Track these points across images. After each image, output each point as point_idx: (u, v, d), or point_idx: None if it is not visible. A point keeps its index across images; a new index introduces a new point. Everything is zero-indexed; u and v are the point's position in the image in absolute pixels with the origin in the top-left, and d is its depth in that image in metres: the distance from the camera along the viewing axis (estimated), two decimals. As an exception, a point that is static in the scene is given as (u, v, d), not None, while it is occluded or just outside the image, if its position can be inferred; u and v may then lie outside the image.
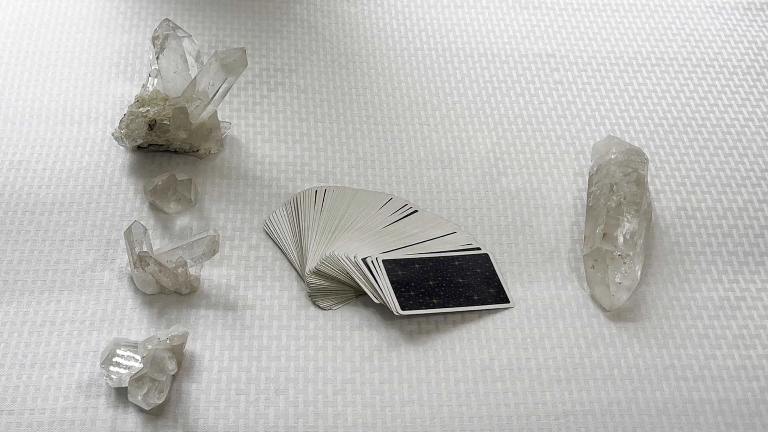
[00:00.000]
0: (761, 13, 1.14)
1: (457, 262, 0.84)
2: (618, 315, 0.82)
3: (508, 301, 0.83)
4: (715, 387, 0.78)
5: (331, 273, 0.81)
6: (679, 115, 1.01)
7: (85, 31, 1.03)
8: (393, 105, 0.99)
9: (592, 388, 0.77)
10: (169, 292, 0.80)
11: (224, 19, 1.06)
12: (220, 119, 0.93)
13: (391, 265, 0.82)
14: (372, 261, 0.82)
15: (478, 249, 0.86)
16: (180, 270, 0.79)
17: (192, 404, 0.73)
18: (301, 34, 1.06)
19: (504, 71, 1.04)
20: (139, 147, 0.90)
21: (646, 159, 0.91)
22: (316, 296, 0.81)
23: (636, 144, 0.97)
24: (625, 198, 0.86)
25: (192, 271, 0.80)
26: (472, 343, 0.79)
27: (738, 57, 1.08)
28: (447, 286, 0.82)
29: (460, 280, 0.83)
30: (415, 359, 0.78)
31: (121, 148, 0.91)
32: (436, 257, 0.84)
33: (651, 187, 0.93)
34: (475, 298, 0.82)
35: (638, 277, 0.83)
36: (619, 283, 0.82)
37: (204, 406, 0.73)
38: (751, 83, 1.05)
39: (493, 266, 0.85)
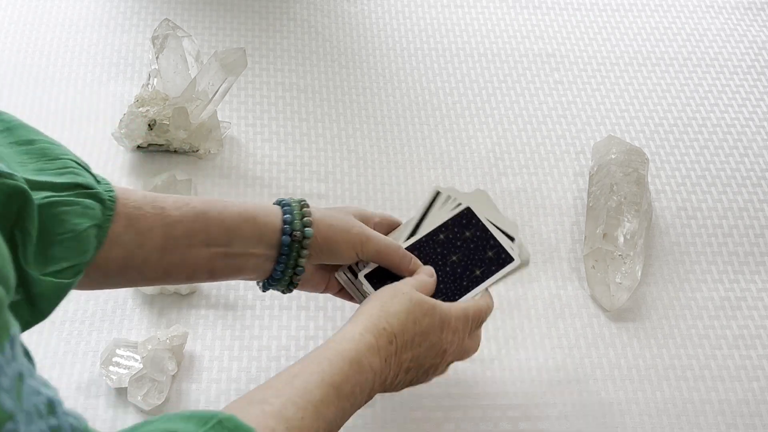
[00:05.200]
0: (761, 13, 1.14)
1: (441, 236, 0.72)
2: (618, 315, 0.82)
3: (512, 260, 0.72)
4: (715, 387, 0.78)
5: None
6: (679, 115, 1.01)
7: (84, 31, 1.03)
8: (393, 105, 0.99)
9: (593, 388, 0.77)
10: (169, 292, 0.80)
11: (224, 19, 1.06)
12: (219, 119, 0.93)
13: (376, 277, 0.69)
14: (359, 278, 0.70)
15: (459, 205, 0.74)
16: (180, 270, 0.79)
17: (192, 404, 0.73)
18: (301, 34, 1.06)
19: (504, 71, 1.04)
20: (138, 147, 0.90)
21: (647, 159, 0.91)
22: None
23: (636, 144, 0.97)
24: (625, 198, 0.86)
25: (192, 271, 0.80)
26: (472, 343, 0.79)
27: (738, 57, 1.08)
28: (443, 273, 0.70)
29: (454, 258, 0.71)
30: (415, 359, 0.78)
31: (121, 147, 0.91)
32: (417, 242, 0.72)
33: (651, 187, 0.93)
34: (478, 273, 0.71)
35: (638, 277, 0.83)
36: (620, 283, 0.82)
37: (204, 406, 0.73)
38: (752, 83, 1.05)
39: (480, 222, 0.73)
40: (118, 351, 0.74)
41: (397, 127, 0.97)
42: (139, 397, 0.71)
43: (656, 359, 0.79)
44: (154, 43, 0.90)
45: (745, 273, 0.87)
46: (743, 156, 0.97)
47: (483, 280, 0.71)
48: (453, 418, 0.74)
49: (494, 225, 0.73)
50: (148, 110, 0.89)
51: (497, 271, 0.71)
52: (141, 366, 0.72)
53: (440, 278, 0.70)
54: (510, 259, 0.72)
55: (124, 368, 0.73)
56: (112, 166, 0.90)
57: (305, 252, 0.65)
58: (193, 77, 0.89)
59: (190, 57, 0.90)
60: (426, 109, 0.99)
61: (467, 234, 0.72)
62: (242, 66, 0.87)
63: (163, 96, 0.90)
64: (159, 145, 0.90)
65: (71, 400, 0.72)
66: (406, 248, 0.70)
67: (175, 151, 0.91)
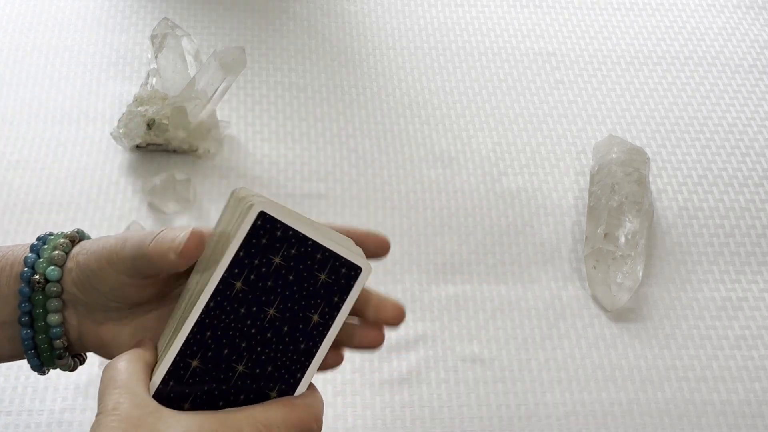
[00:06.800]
0: (763, 12, 1.14)
1: (238, 282, 0.43)
2: (619, 315, 0.82)
3: (360, 269, 0.44)
4: (717, 388, 0.78)
5: None
6: (680, 114, 1.01)
7: (83, 30, 1.03)
8: (393, 104, 0.99)
9: (594, 389, 0.77)
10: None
11: (223, 18, 1.06)
12: (219, 118, 0.93)
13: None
14: None
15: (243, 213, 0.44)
16: (179, 270, 0.78)
17: (191, 405, 0.73)
18: (300, 33, 1.05)
19: (504, 70, 1.04)
20: (137, 146, 0.90)
21: (648, 158, 0.91)
22: None
23: (637, 144, 0.97)
24: (626, 198, 0.85)
25: (191, 271, 0.80)
26: (472, 343, 0.79)
27: (739, 57, 1.08)
28: (266, 350, 0.45)
29: (272, 313, 0.44)
30: (415, 360, 0.77)
31: (120, 147, 0.91)
32: (203, 314, 0.43)
33: (653, 187, 0.93)
34: (316, 319, 0.45)
35: (640, 278, 0.83)
36: (621, 284, 0.81)
37: (203, 407, 0.73)
38: (753, 83, 1.05)
39: (291, 228, 0.43)
40: (116, 351, 0.74)
41: (397, 127, 0.97)
42: (137, 398, 0.71)
43: (658, 360, 0.79)
44: (153, 42, 0.89)
45: (746, 273, 0.87)
46: (744, 156, 0.97)
47: (328, 327, 0.44)
48: (453, 418, 0.74)
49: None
50: (146, 109, 0.88)
51: (344, 299, 0.44)
52: (139, 367, 0.72)
53: (265, 363, 0.44)
54: (357, 270, 0.44)
55: (123, 369, 0.73)
56: (110, 165, 0.89)
57: (54, 304, 0.46)
58: (192, 76, 0.89)
59: (189, 56, 0.90)
60: (426, 109, 0.99)
61: (277, 260, 0.43)
62: (241, 65, 0.86)
63: (162, 95, 0.90)
64: (158, 145, 0.90)
65: (69, 401, 0.72)
66: (188, 336, 0.43)
67: (174, 151, 0.91)
